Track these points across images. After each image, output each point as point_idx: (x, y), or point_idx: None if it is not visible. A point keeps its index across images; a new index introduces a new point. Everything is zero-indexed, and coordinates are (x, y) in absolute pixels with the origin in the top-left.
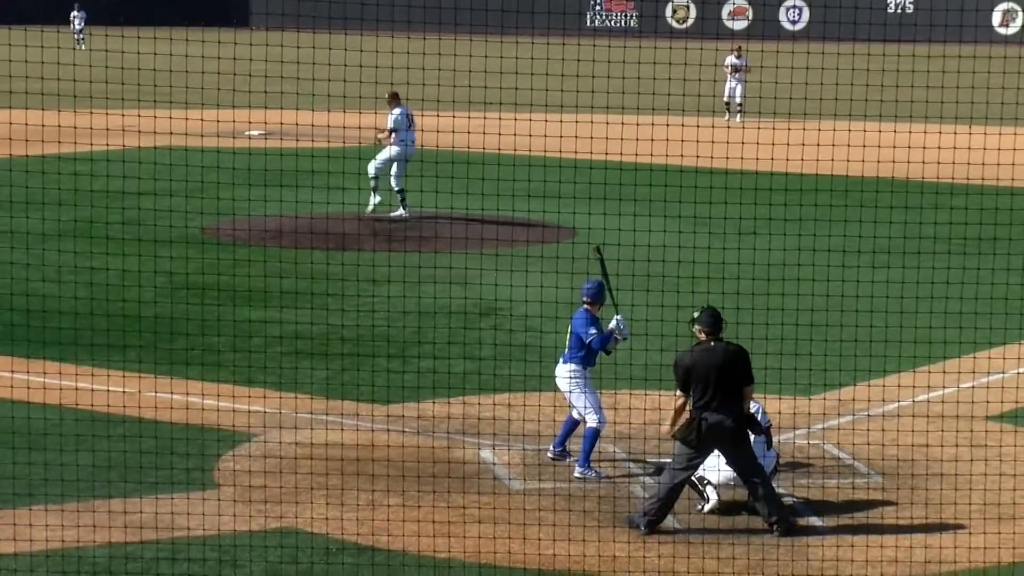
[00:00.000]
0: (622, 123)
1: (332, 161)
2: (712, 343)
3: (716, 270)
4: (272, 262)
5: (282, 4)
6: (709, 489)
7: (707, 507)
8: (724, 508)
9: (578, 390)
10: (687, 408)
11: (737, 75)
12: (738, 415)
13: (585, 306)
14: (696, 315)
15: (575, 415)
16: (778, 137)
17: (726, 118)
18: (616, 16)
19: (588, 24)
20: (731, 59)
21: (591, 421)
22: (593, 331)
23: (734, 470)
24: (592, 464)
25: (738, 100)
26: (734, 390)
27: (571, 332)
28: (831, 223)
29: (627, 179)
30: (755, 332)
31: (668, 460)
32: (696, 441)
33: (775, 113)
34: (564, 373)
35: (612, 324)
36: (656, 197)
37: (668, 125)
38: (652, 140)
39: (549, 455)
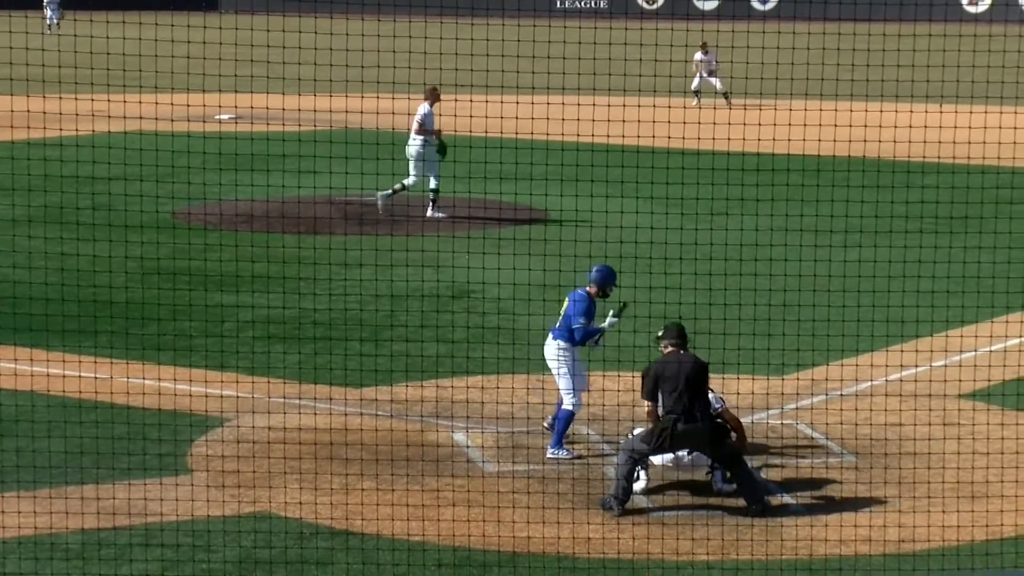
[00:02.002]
0: (593, 104)
1: (303, 145)
2: (680, 352)
3: (688, 251)
4: (243, 246)
5: None
6: (641, 471)
7: (638, 487)
8: (698, 488)
9: (564, 369)
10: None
11: (707, 73)
12: (708, 420)
13: (588, 288)
14: (660, 333)
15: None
16: (749, 117)
17: (695, 102)
18: None
19: (558, 6)
20: (699, 55)
21: (567, 403)
22: (582, 320)
23: (720, 465)
24: (565, 445)
25: (719, 88)
26: (703, 397)
27: (564, 310)
28: (802, 203)
29: (599, 161)
30: (727, 312)
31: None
32: (667, 444)
33: (746, 93)
34: (552, 350)
35: (606, 323)
36: (628, 179)
37: (639, 106)
38: (624, 121)
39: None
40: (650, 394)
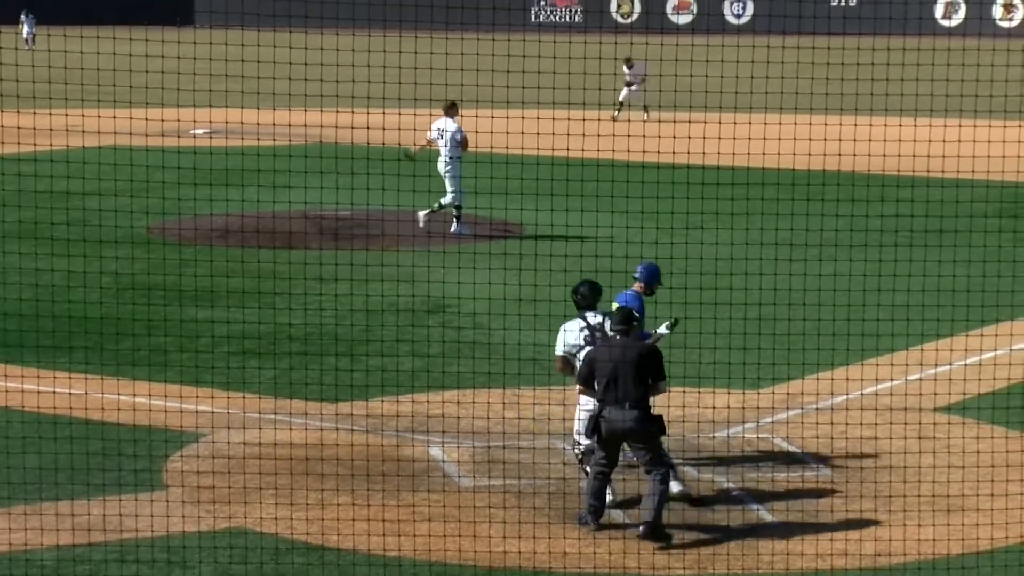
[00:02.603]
0: (568, 118)
1: (278, 160)
2: (617, 338)
3: (663, 265)
4: (219, 261)
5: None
6: (609, 486)
7: (609, 499)
8: (673, 502)
9: None
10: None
11: (632, 87)
12: (639, 413)
13: (635, 287)
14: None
15: None
16: (723, 131)
17: (614, 113)
18: (561, 11)
19: (533, 20)
20: (625, 68)
21: None
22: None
23: (639, 461)
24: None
25: (626, 101)
26: (638, 382)
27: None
28: (777, 216)
29: (573, 174)
30: (703, 326)
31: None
32: (598, 438)
33: (720, 107)
34: None
35: (659, 330)
36: (603, 193)
37: (614, 120)
38: (598, 135)
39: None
40: (583, 379)
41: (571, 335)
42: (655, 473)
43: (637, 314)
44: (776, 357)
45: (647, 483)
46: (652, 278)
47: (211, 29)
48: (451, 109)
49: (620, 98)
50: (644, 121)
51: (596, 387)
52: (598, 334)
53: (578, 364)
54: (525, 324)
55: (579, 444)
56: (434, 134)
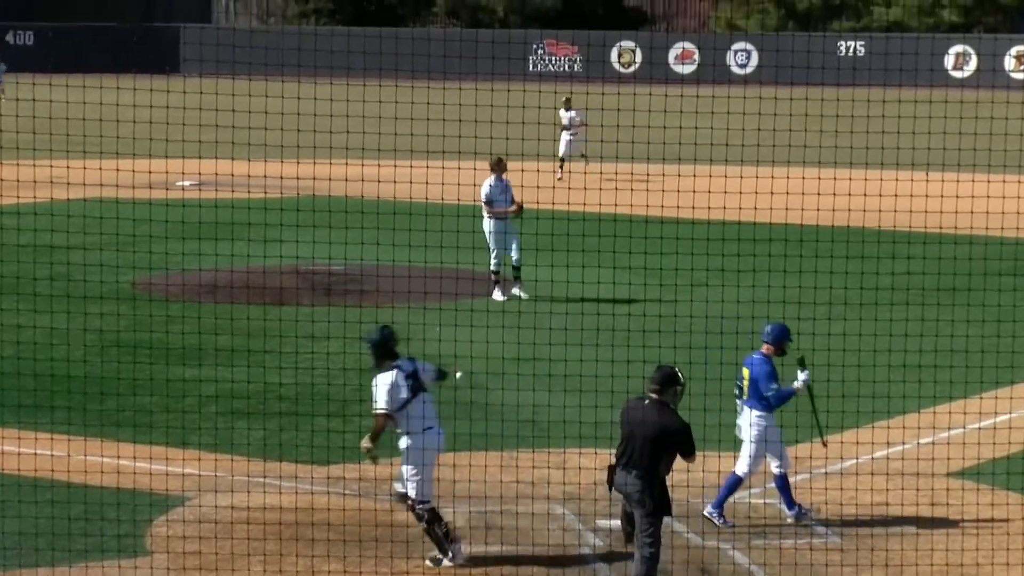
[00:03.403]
0: (570, 171)
1: (268, 213)
2: (647, 400)
3: (667, 323)
4: (206, 318)
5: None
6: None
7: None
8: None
9: (755, 435)
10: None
11: (571, 131)
12: (642, 484)
13: (763, 349)
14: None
15: (741, 470)
16: (729, 185)
17: (558, 175)
18: (560, 60)
19: (532, 69)
20: (562, 112)
21: (741, 468)
22: (773, 386)
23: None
24: (724, 512)
25: (567, 152)
26: (649, 454)
27: (749, 377)
28: (785, 273)
29: (574, 229)
30: (708, 387)
31: (617, 522)
32: (609, 484)
33: (726, 160)
34: (748, 418)
35: (798, 383)
36: (604, 248)
37: (616, 174)
38: (600, 189)
39: (789, 516)
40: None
41: (399, 390)
42: (643, 546)
43: (773, 385)
44: (784, 419)
45: (635, 547)
46: (781, 338)
47: (200, 78)
48: (496, 165)
49: (560, 152)
50: (584, 173)
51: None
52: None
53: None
54: (523, 384)
55: (416, 500)
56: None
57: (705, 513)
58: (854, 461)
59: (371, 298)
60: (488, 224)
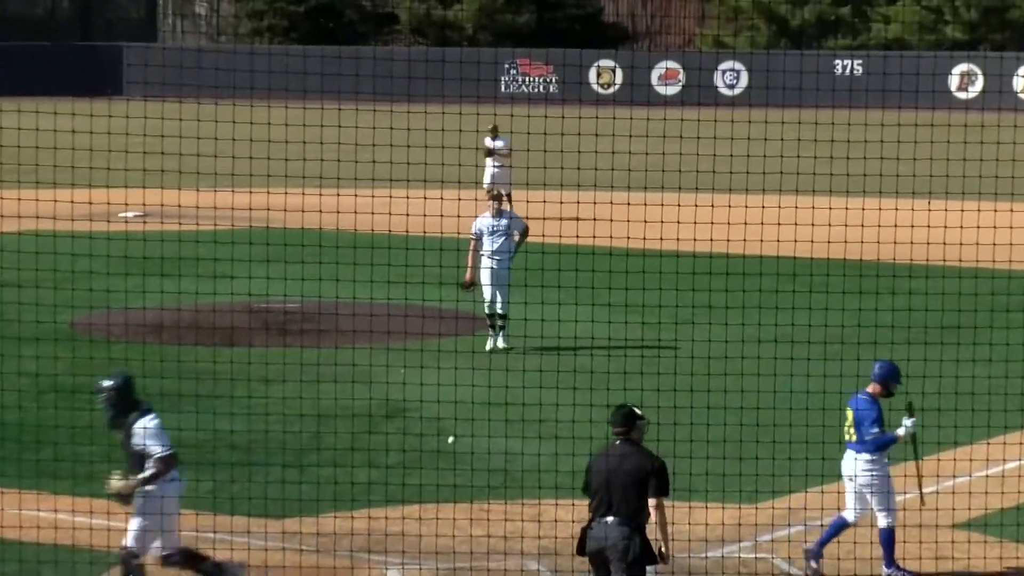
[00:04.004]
0: (544, 200)
1: (218, 246)
2: (617, 443)
3: (650, 364)
4: (151, 360)
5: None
6: None
7: None
8: None
9: (875, 485)
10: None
11: (495, 159)
12: (627, 531)
13: (869, 389)
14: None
15: (849, 516)
16: (716, 215)
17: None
18: (534, 81)
19: (504, 90)
20: (488, 141)
21: (885, 522)
22: (875, 430)
23: None
24: (898, 561)
25: (504, 192)
26: (634, 497)
27: (852, 419)
28: (777, 310)
29: (549, 263)
30: (694, 433)
31: None
32: (584, 554)
33: (713, 188)
34: (854, 466)
35: (901, 430)
36: (582, 283)
37: (595, 203)
38: (577, 220)
39: (810, 558)
40: (584, 487)
41: (164, 433)
42: None
43: (876, 429)
44: (775, 467)
45: None
46: (889, 377)
47: (145, 101)
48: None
49: (485, 183)
50: (509, 205)
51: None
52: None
53: None
54: (495, 430)
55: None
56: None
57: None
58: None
59: (329, 338)
60: (484, 263)
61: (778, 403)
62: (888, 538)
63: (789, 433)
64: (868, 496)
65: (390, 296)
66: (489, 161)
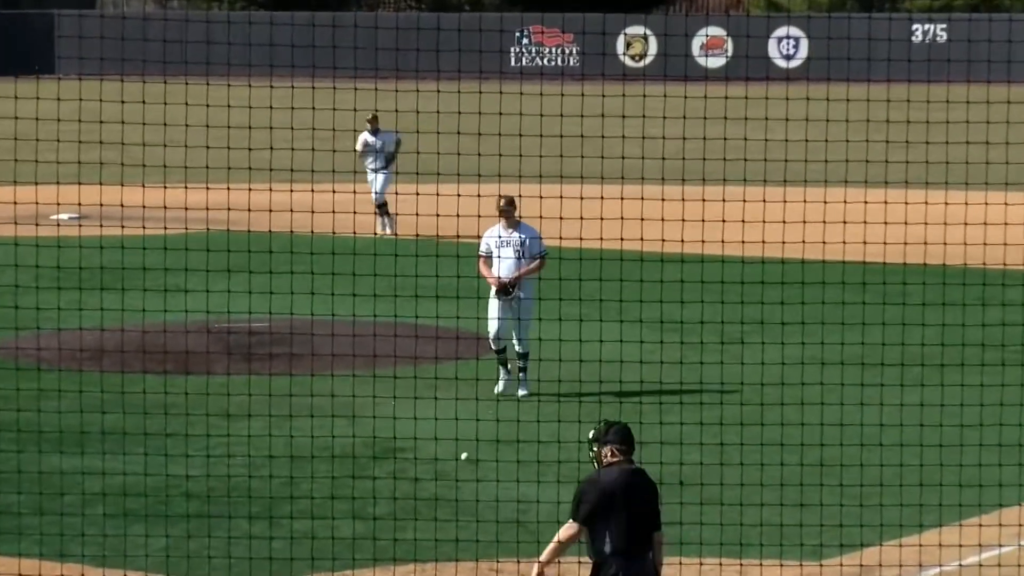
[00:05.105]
0: (560, 196)
1: (170, 254)
2: (630, 466)
3: (692, 393)
4: (90, 392)
5: (100, 44)
6: None
7: None
8: None
9: None
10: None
11: (375, 161)
12: (652, 568)
13: None
14: (596, 433)
15: None
16: (770, 212)
17: (379, 230)
18: (551, 52)
19: (513, 64)
20: (365, 136)
21: None
22: None
23: None
24: None
25: (376, 199)
26: (649, 533)
27: None
28: (844, 326)
29: (569, 270)
30: (746, 475)
31: None
32: None
33: (765, 180)
34: None
35: None
36: (608, 295)
37: (623, 199)
38: (601, 219)
39: None
40: (586, 518)
41: None
42: None
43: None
44: (845, 516)
45: None
46: None
47: (80, 80)
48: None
49: (375, 192)
50: (382, 235)
51: (603, 530)
52: None
53: None
54: (505, 473)
55: None
56: None
57: None
58: (938, 569)
59: (304, 364)
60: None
61: (847, 438)
62: None
63: (860, 474)
64: None
65: (377, 312)
66: (369, 163)
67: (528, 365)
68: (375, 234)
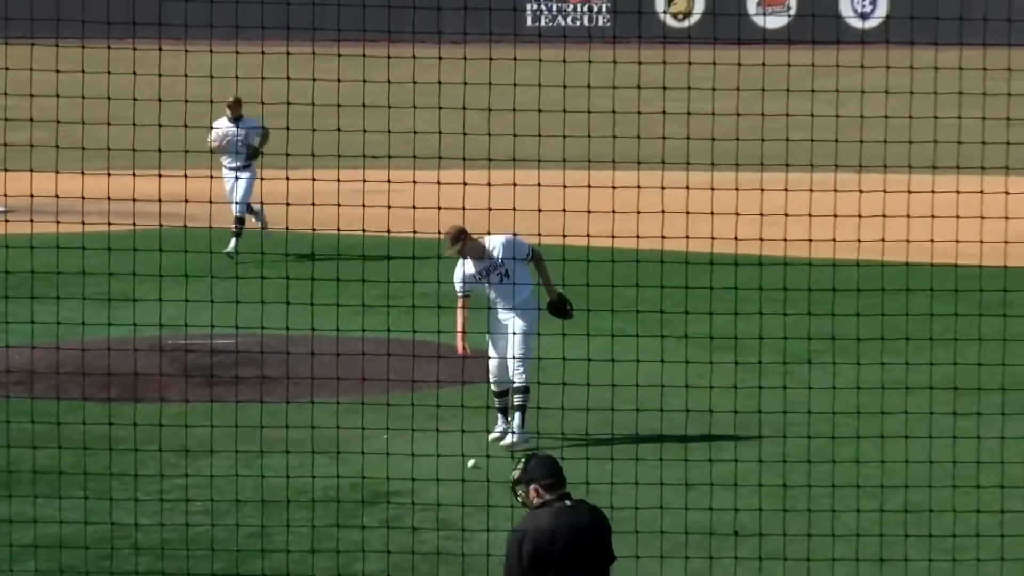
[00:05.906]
0: (588, 184)
1: (115, 255)
2: (568, 502)
3: (748, 423)
4: (19, 421)
5: (28, 3)
6: None
7: None
8: None
9: None
10: None
11: (234, 159)
12: None
13: None
14: (521, 471)
15: None
16: (841, 203)
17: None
18: (575, 10)
19: (530, 23)
20: (223, 124)
21: None
22: None
23: None
24: None
25: (237, 210)
26: (604, 570)
27: None
28: (932, 342)
29: (597, 275)
30: (815, 521)
31: None
32: None
33: (836, 165)
34: None
35: None
36: (646, 305)
37: (663, 188)
38: (638, 213)
39: None
40: (531, 567)
41: None
42: None
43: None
44: (934, 573)
45: None
46: None
47: (6, 44)
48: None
49: (235, 203)
50: (262, 239)
51: None
52: None
53: None
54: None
55: None
56: None
57: None
58: None
59: (277, 388)
60: (494, 326)
61: (936, 479)
62: None
63: (953, 522)
64: None
65: (366, 326)
66: (226, 161)
67: (527, 405)
68: (233, 252)
